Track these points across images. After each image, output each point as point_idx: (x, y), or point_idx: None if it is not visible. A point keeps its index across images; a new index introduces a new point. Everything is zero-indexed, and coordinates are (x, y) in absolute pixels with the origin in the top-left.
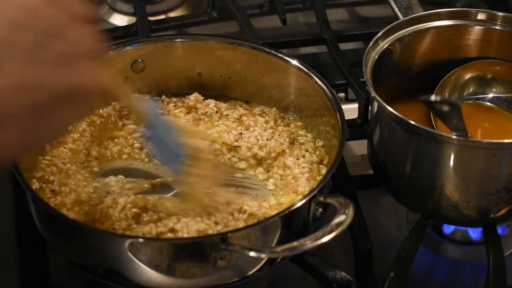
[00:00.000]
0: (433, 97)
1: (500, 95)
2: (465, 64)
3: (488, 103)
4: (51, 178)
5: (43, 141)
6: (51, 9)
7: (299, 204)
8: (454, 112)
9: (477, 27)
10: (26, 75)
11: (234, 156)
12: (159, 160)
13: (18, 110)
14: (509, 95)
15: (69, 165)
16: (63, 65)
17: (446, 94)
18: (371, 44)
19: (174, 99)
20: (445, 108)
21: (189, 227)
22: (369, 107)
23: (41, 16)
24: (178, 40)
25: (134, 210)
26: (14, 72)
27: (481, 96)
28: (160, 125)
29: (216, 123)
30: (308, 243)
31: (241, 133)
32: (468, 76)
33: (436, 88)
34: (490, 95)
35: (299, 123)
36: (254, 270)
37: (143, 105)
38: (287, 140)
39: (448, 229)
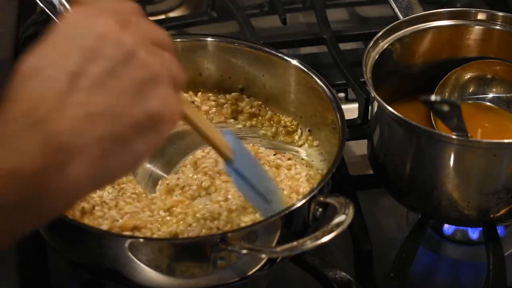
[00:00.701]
0: (433, 97)
1: (500, 95)
2: (465, 64)
3: (488, 103)
4: None
5: (118, 175)
6: (123, 35)
7: (299, 204)
8: (454, 112)
9: (477, 27)
10: (96, 105)
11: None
12: (246, 198)
13: (89, 142)
14: (509, 95)
15: None
16: (141, 93)
17: (446, 94)
18: (371, 44)
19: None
20: (445, 108)
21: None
22: (369, 107)
23: (112, 43)
24: (178, 40)
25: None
26: (82, 103)
27: (481, 96)
28: (246, 162)
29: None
30: (308, 243)
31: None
32: (468, 76)
33: (436, 88)
34: (490, 95)
35: (294, 122)
36: (254, 270)
37: (226, 138)
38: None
39: (448, 229)
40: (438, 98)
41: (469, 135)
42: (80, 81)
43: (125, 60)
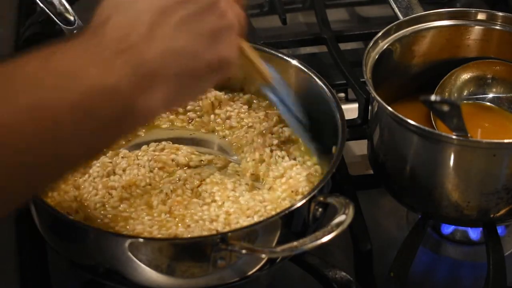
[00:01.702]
0: (433, 97)
1: (500, 95)
2: (465, 64)
3: (488, 103)
4: None
5: (186, 102)
6: None
7: (299, 204)
8: (454, 112)
9: (477, 27)
10: (180, 42)
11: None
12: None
13: (167, 73)
14: (509, 95)
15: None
16: (216, 38)
17: (446, 94)
18: (371, 44)
19: None
20: (445, 108)
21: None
22: (369, 107)
23: None
24: None
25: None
26: (168, 37)
27: (481, 96)
28: (282, 90)
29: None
30: (308, 243)
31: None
32: (468, 76)
33: (436, 88)
34: (490, 95)
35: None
36: (254, 270)
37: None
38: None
39: (447, 229)
40: (438, 98)
41: (469, 135)
42: (169, 18)
43: (209, 7)
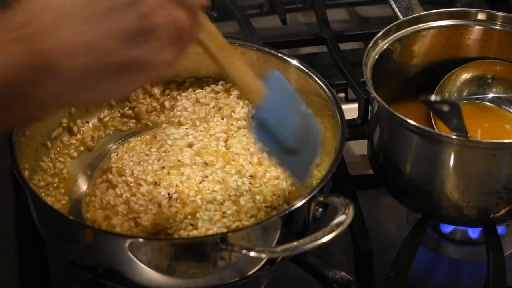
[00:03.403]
0: (433, 97)
1: (500, 95)
2: (465, 64)
3: (488, 103)
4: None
5: (91, 101)
6: None
7: (299, 204)
8: (454, 112)
9: (477, 27)
10: (83, 37)
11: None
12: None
13: (67, 66)
14: (509, 95)
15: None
16: (130, 39)
17: (446, 94)
18: (371, 44)
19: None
20: (445, 108)
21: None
22: (369, 107)
23: None
24: None
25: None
26: (70, 30)
27: (481, 96)
28: (277, 108)
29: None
30: (308, 243)
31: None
32: (468, 76)
33: (436, 88)
34: (490, 95)
35: None
36: (254, 270)
37: (265, 80)
38: None
39: (446, 229)
40: (438, 98)
41: (469, 135)
42: (81, 10)
43: (130, 5)
